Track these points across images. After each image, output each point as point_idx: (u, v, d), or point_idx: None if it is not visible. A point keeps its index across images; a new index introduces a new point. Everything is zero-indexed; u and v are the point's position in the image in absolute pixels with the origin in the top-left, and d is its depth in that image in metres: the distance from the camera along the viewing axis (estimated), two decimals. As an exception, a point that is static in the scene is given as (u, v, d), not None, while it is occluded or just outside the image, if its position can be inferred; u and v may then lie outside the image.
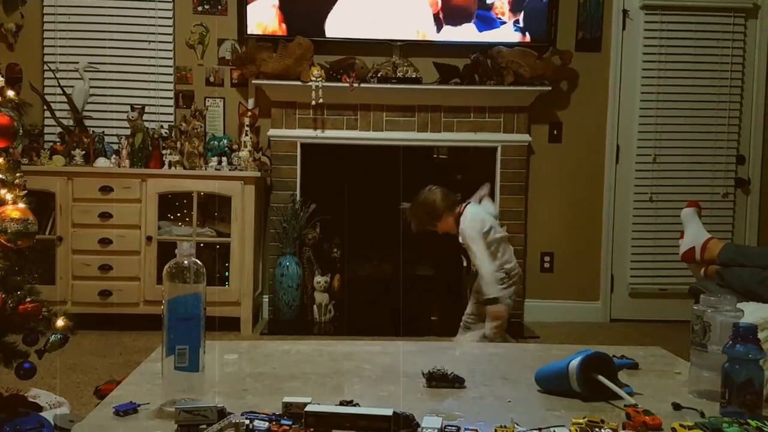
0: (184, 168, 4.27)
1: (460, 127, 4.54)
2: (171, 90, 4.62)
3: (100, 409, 1.49)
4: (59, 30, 4.54)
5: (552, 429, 1.36)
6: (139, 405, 1.46)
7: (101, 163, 4.27)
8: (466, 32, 4.50)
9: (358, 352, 1.99)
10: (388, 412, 1.32)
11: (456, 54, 4.53)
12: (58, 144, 4.39)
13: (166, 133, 4.41)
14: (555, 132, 4.72)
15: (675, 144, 4.71)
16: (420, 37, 4.51)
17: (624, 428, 1.39)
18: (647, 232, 4.72)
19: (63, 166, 4.18)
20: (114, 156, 4.31)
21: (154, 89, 4.60)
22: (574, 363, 1.59)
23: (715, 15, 4.68)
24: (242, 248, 4.19)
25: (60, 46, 4.55)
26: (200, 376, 1.48)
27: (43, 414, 2.31)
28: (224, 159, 4.32)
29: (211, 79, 4.64)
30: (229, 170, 4.28)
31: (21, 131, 2.39)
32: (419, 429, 1.32)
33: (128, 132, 4.34)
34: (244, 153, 4.31)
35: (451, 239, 3.51)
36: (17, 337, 2.15)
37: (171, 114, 4.60)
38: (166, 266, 1.46)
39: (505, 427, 1.36)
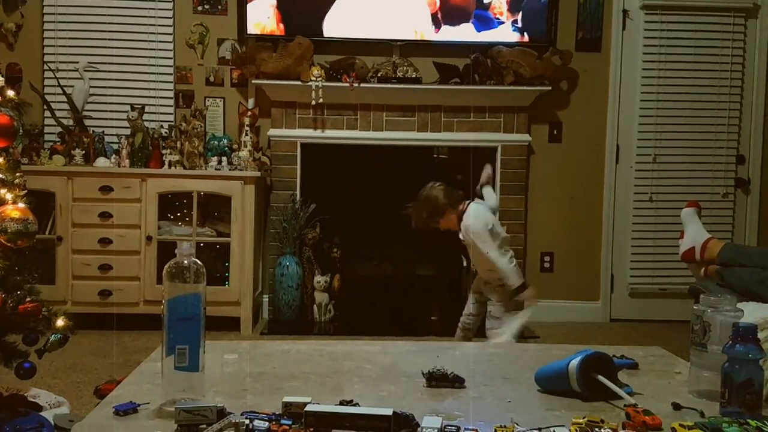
0: (184, 168, 4.27)
1: (460, 127, 4.54)
2: (171, 90, 4.62)
3: (100, 408, 1.49)
4: (59, 30, 4.54)
5: (552, 429, 1.36)
6: (139, 405, 1.46)
7: (101, 162, 4.27)
8: (465, 32, 4.51)
9: (358, 352, 1.98)
10: (388, 412, 1.32)
11: (456, 54, 4.54)
12: (58, 144, 4.39)
13: (166, 132, 4.41)
14: (555, 132, 4.72)
15: (675, 144, 4.71)
16: (418, 37, 4.51)
17: (624, 428, 1.39)
18: (647, 232, 4.72)
19: (63, 166, 4.18)
20: (114, 156, 4.31)
21: (154, 89, 4.60)
22: (574, 363, 1.59)
23: (715, 15, 4.68)
24: (242, 248, 4.19)
25: (60, 46, 4.55)
26: (200, 375, 1.48)
27: (43, 414, 2.32)
28: (224, 159, 4.32)
29: (211, 78, 4.64)
30: (229, 170, 4.28)
31: (21, 131, 2.39)
32: (419, 429, 1.32)
33: (128, 132, 4.34)
34: (244, 153, 4.31)
35: (451, 239, 3.51)
36: (17, 337, 2.15)
37: (171, 114, 4.60)
38: (166, 266, 1.46)
39: (505, 427, 1.36)
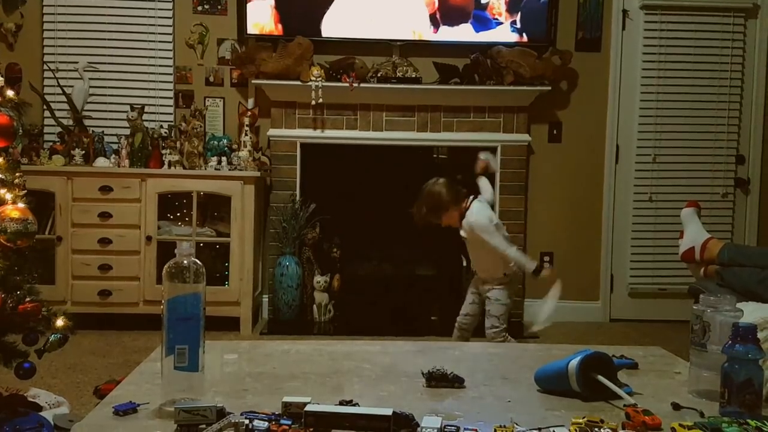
0: (184, 168, 4.27)
1: (460, 127, 4.54)
2: (171, 90, 4.62)
3: (99, 408, 1.49)
4: (59, 30, 4.54)
5: (552, 429, 1.36)
6: (138, 405, 1.46)
7: (101, 162, 4.27)
8: (463, 32, 4.51)
9: (357, 352, 1.98)
10: (388, 411, 1.32)
11: (455, 54, 4.54)
12: (58, 144, 4.39)
13: (165, 132, 4.40)
14: (555, 132, 4.72)
15: (675, 144, 4.72)
16: (416, 38, 4.51)
17: (623, 428, 1.39)
18: (647, 232, 4.72)
19: (63, 166, 4.18)
20: (114, 156, 4.31)
21: (154, 89, 4.60)
22: (574, 363, 1.59)
23: (715, 15, 4.68)
24: (242, 248, 4.19)
25: (60, 46, 4.55)
26: (200, 375, 1.48)
27: (42, 414, 2.32)
28: (224, 159, 4.32)
29: (211, 78, 4.64)
30: (229, 170, 4.28)
31: (21, 131, 2.39)
32: (419, 429, 1.32)
33: (128, 132, 4.33)
34: (243, 153, 4.31)
35: (450, 239, 3.51)
36: (17, 337, 2.15)
37: (171, 114, 4.60)
38: (166, 266, 1.46)
39: (504, 427, 1.36)
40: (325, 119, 4.50)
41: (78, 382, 3.17)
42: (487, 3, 4.50)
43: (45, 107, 4.45)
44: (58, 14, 4.53)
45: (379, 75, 4.44)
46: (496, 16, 4.51)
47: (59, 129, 4.43)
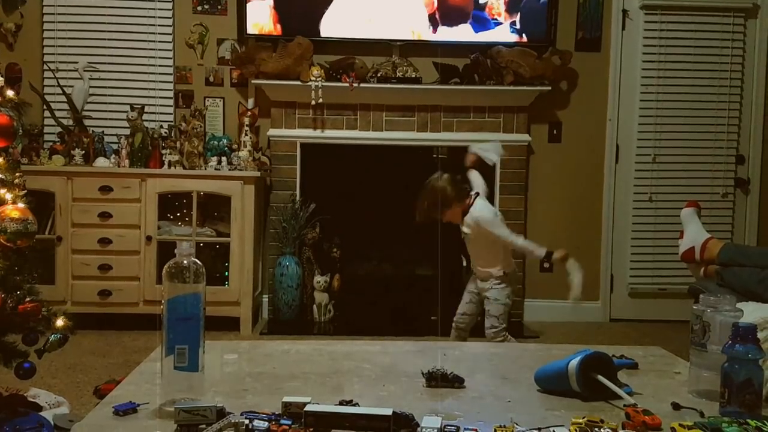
0: (184, 168, 4.27)
1: (460, 127, 4.54)
2: (171, 90, 4.62)
3: (99, 408, 1.49)
4: (59, 30, 4.54)
5: (552, 429, 1.36)
6: (138, 405, 1.46)
7: (101, 162, 4.27)
8: (463, 33, 4.50)
9: (357, 352, 1.98)
10: (388, 412, 1.32)
11: (455, 54, 4.54)
12: (58, 144, 4.39)
13: (165, 132, 4.40)
14: (555, 132, 4.72)
15: (674, 144, 4.72)
16: (415, 38, 4.51)
17: (623, 428, 1.39)
18: (647, 232, 4.72)
19: (63, 166, 4.18)
20: (113, 156, 4.30)
21: (154, 89, 4.60)
22: (574, 363, 1.59)
23: (714, 15, 4.68)
24: (242, 248, 4.19)
25: (60, 46, 4.54)
26: (200, 375, 1.48)
27: (42, 414, 2.32)
28: (224, 159, 4.32)
29: (211, 78, 4.64)
30: (229, 170, 4.28)
31: (21, 131, 2.39)
32: (419, 429, 1.32)
33: (128, 132, 4.33)
34: (243, 153, 4.31)
35: (450, 239, 3.51)
36: (17, 337, 2.15)
37: (171, 114, 4.60)
38: (166, 266, 1.46)
39: (504, 426, 1.36)
40: (325, 119, 4.51)
41: (78, 382, 3.17)
42: (486, 3, 4.50)
43: (45, 107, 4.45)
44: (58, 14, 4.53)
45: (379, 75, 4.44)
46: (496, 17, 4.51)
47: (59, 129, 4.43)
